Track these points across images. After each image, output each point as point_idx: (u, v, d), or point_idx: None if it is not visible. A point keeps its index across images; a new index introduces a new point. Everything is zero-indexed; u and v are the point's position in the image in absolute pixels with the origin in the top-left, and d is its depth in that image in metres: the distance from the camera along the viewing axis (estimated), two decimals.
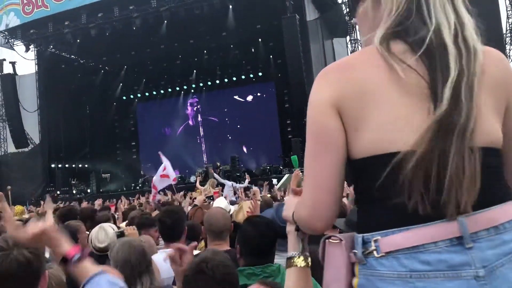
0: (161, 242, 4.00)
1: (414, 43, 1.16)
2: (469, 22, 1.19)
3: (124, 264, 2.37)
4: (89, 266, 1.65)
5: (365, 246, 1.16)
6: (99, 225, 3.86)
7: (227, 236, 3.07)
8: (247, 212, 4.01)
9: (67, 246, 1.66)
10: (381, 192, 1.15)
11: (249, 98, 26.52)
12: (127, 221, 5.34)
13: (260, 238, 2.55)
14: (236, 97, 26.66)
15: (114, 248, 2.50)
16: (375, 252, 1.14)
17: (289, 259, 1.43)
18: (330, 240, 1.25)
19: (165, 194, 10.88)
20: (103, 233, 3.67)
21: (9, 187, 11.45)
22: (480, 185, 1.08)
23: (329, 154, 1.21)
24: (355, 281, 1.19)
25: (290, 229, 1.47)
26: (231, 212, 5.07)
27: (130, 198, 15.32)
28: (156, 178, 10.59)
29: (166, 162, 10.68)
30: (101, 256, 3.68)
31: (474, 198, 1.08)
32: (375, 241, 1.14)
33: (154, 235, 4.06)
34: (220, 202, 5.59)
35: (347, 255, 1.20)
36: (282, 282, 2.08)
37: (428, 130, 1.08)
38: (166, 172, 10.55)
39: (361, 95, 1.17)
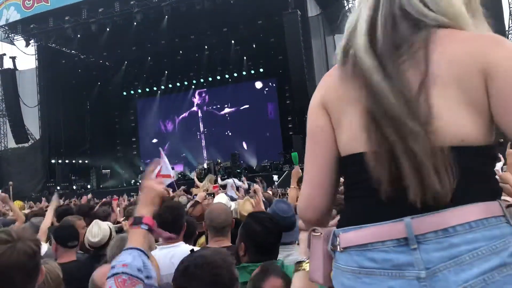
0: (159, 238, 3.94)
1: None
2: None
3: None
4: (142, 240, 1.71)
5: (334, 240, 1.24)
6: (94, 221, 3.85)
7: (228, 232, 3.02)
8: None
9: (146, 212, 1.75)
10: (348, 190, 1.25)
11: (258, 85, 26.19)
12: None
13: (266, 234, 2.51)
14: (237, 98, 26.50)
15: (110, 245, 2.51)
16: (338, 247, 1.22)
17: (298, 263, 1.48)
18: (313, 232, 1.34)
19: (167, 192, 10.80)
20: (97, 228, 3.68)
21: (10, 182, 11.45)
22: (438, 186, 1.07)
23: (320, 152, 1.32)
24: (332, 272, 1.27)
25: (302, 236, 1.52)
26: (231, 209, 5.00)
27: (132, 193, 15.42)
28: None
29: (164, 160, 10.62)
30: (96, 255, 3.64)
31: (428, 199, 1.07)
32: (338, 236, 1.22)
33: None
34: (221, 199, 5.51)
35: (325, 247, 1.29)
36: None
37: (367, 129, 1.14)
38: (166, 172, 10.43)
39: (339, 99, 1.26)
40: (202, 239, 3.90)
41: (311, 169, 1.34)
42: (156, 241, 3.91)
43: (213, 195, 7.56)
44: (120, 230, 3.43)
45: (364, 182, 1.17)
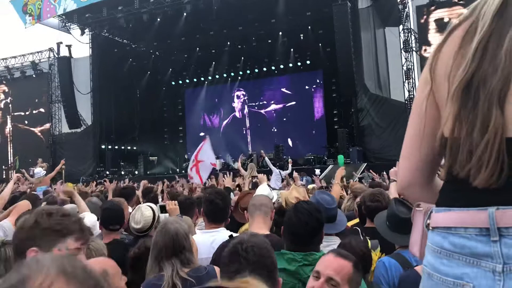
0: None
1: None
2: None
3: (154, 246, 2.48)
4: None
5: (429, 218, 1.25)
6: (137, 206, 3.92)
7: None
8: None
9: None
10: (447, 172, 1.20)
11: (305, 76, 25.82)
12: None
13: (300, 226, 2.52)
14: (283, 89, 26.45)
15: (157, 230, 2.61)
16: (429, 225, 1.23)
17: None
18: (417, 208, 1.35)
19: (210, 179, 10.90)
20: (139, 214, 3.68)
21: (63, 162, 11.90)
22: None
23: (416, 123, 1.27)
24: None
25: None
26: (273, 200, 5.01)
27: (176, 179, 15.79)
28: (201, 165, 10.28)
29: (205, 147, 10.57)
30: (139, 236, 3.76)
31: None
32: (431, 215, 1.23)
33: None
34: (263, 190, 5.51)
35: (423, 222, 1.29)
36: None
37: (455, 119, 1.11)
38: (203, 158, 10.35)
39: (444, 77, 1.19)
40: (246, 226, 3.93)
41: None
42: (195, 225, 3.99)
43: (256, 184, 7.59)
44: (163, 208, 3.51)
45: (455, 168, 1.15)
